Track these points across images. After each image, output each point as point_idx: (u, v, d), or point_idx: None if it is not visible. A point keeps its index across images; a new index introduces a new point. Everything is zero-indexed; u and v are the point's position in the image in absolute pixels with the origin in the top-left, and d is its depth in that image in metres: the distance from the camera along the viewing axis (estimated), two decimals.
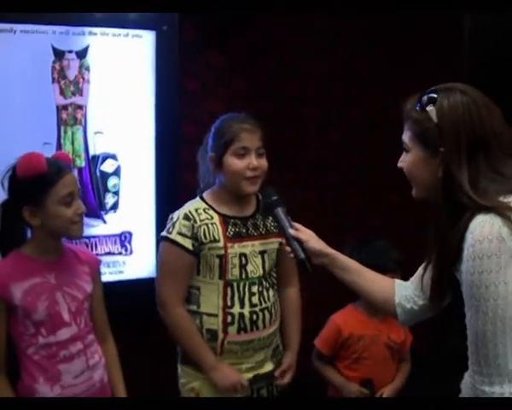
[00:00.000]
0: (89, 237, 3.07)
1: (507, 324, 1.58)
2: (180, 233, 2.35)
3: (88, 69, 3.00)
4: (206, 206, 2.41)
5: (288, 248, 2.11)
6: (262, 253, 2.44)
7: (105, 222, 3.09)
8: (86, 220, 2.85)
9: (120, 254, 3.13)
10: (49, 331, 2.12)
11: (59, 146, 3.00)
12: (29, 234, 2.19)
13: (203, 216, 2.38)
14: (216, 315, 2.39)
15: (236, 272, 2.40)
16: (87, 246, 3.07)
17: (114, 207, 3.10)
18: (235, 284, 2.40)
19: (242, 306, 2.40)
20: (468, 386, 1.67)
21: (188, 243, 2.35)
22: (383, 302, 2.04)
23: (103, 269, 2.98)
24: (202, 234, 2.35)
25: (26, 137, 2.84)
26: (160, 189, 3.16)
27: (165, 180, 3.18)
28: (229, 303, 2.39)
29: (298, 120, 3.65)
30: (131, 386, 3.04)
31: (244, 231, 2.41)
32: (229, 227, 2.39)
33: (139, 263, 3.15)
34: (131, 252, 3.15)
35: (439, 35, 3.70)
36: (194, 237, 2.35)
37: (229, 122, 2.39)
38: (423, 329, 2.66)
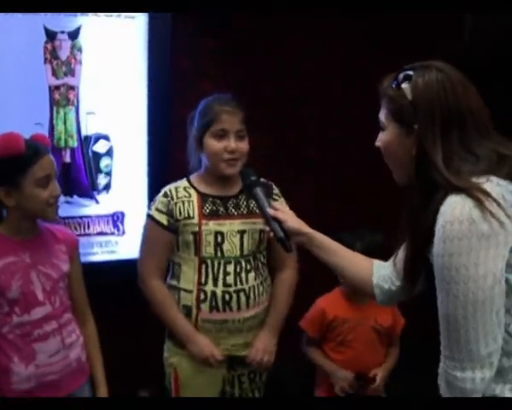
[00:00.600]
0: (81, 217, 3.08)
1: (478, 308, 1.54)
2: (157, 209, 2.43)
3: (80, 50, 2.98)
4: (188, 185, 2.46)
5: (267, 228, 2.12)
6: (241, 232, 2.43)
7: (97, 202, 3.09)
8: (79, 200, 2.99)
9: (113, 234, 3.13)
10: (23, 310, 2.15)
11: (51, 126, 2.99)
12: (5, 213, 2.21)
13: (181, 194, 2.43)
14: (191, 291, 2.42)
15: (211, 249, 2.40)
16: (79, 226, 3.09)
17: (107, 187, 3.10)
18: (209, 262, 2.42)
19: (215, 284, 2.41)
20: (440, 372, 1.65)
21: (163, 219, 2.41)
22: (361, 282, 2.02)
23: (96, 249, 3.09)
24: (178, 211, 2.41)
25: (17, 118, 2.83)
26: (152, 169, 3.15)
27: (157, 161, 3.16)
28: (203, 280, 2.41)
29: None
30: (121, 362, 3.13)
31: (223, 209, 2.43)
32: (207, 205, 2.42)
33: (131, 243, 3.11)
34: (124, 232, 3.16)
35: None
36: (169, 213, 2.41)
37: (212, 103, 2.41)
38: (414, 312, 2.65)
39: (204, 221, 2.38)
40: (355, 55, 3.64)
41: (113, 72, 3.06)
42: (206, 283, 2.40)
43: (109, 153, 3.08)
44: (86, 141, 3.03)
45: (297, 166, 3.68)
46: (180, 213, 2.39)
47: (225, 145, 2.35)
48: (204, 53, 3.37)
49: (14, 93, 2.88)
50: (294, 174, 3.61)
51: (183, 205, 2.40)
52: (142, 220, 3.00)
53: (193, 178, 2.49)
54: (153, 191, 2.99)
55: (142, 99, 3.13)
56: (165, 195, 2.42)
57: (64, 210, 2.94)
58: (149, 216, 2.43)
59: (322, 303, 2.94)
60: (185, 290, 2.42)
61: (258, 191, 2.19)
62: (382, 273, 1.97)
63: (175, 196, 2.41)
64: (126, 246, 3.15)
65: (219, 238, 2.39)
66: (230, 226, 2.41)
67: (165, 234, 2.41)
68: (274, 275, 2.62)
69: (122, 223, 3.16)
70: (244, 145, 2.39)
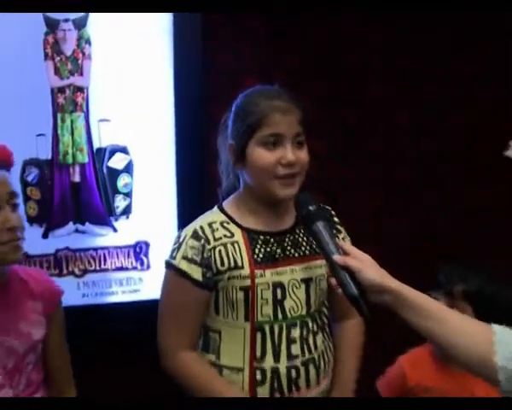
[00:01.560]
0: (96, 249, 2.60)
1: None
2: (186, 258, 1.76)
3: (89, 42, 2.50)
4: (226, 218, 1.81)
5: (333, 281, 1.54)
6: (307, 282, 1.81)
7: (115, 230, 2.62)
8: (92, 228, 2.54)
9: (135, 269, 2.65)
10: None
11: (55, 138, 2.51)
12: None
13: (220, 233, 1.78)
14: (241, 370, 1.77)
15: (269, 310, 1.78)
16: (93, 260, 2.60)
17: (126, 211, 2.62)
18: (267, 328, 1.77)
19: (277, 359, 1.77)
20: None
21: (196, 272, 1.75)
22: (474, 363, 1.42)
23: (114, 287, 2.61)
24: (218, 258, 1.76)
25: (15, 129, 2.40)
26: (183, 189, 2.65)
27: (189, 178, 2.66)
28: (258, 354, 1.76)
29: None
30: None
31: (280, 251, 1.79)
32: (258, 247, 1.78)
33: (158, 280, 2.50)
34: (148, 267, 2.66)
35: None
36: (205, 263, 1.75)
37: (256, 98, 1.77)
38: None
39: (258, 271, 1.76)
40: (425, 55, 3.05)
41: (132, 69, 2.57)
42: (263, 358, 1.77)
43: (128, 169, 2.61)
44: (99, 155, 2.57)
45: (360, 182, 3.04)
46: (222, 261, 1.76)
47: (280, 156, 1.73)
48: (246, 39, 2.79)
49: (8, 98, 2.43)
50: (358, 191, 3.01)
51: (226, 249, 1.77)
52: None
53: (228, 206, 1.85)
54: (184, 215, 2.60)
55: (167, 101, 2.63)
56: (196, 235, 1.77)
57: (74, 241, 2.55)
58: (173, 267, 1.77)
59: (404, 363, 2.27)
60: (231, 369, 1.79)
61: (321, 228, 1.62)
62: (511, 349, 1.32)
63: (211, 238, 1.77)
64: (152, 284, 2.64)
65: (279, 293, 1.77)
66: (292, 274, 1.80)
67: (200, 293, 1.77)
68: (334, 325, 1.97)
69: (146, 255, 2.66)
70: (304, 155, 1.78)
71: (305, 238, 1.84)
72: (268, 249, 1.78)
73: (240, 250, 1.77)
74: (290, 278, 1.79)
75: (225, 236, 1.78)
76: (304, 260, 1.82)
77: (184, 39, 2.59)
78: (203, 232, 1.77)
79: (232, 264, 1.75)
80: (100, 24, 2.49)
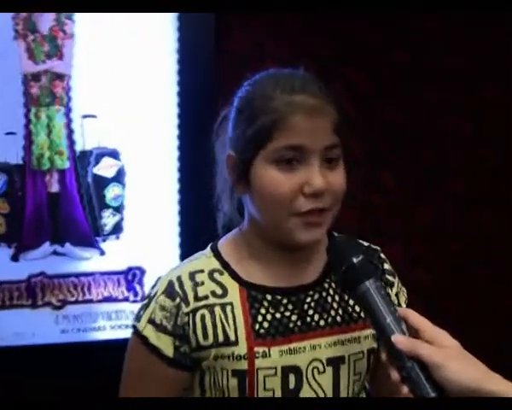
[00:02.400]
0: (78, 276, 2.25)
1: None
2: (153, 322, 1.25)
3: (71, 18, 2.13)
4: (219, 265, 1.28)
5: (395, 375, 1.05)
6: (336, 363, 1.29)
7: (102, 253, 2.28)
8: (73, 250, 2.25)
9: (127, 300, 2.31)
10: None
11: (28, 138, 2.16)
12: None
13: (206, 289, 1.26)
14: None
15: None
16: (76, 289, 2.27)
17: (116, 230, 2.27)
18: None
19: None
20: None
21: (166, 345, 1.25)
22: None
23: (102, 322, 2.31)
24: (199, 328, 1.23)
25: None
26: (187, 203, 2.28)
27: (194, 189, 2.25)
28: None
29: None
30: None
31: (295, 318, 1.26)
32: (263, 312, 1.25)
33: None
34: (143, 297, 2.22)
35: None
36: (180, 333, 1.24)
37: (269, 89, 1.22)
38: None
39: (260, 348, 1.25)
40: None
41: (124, 53, 2.21)
42: None
43: (119, 178, 2.26)
44: (83, 159, 2.23)
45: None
46: (206, 333, 1.25)
47: (302, 181, 1.20)
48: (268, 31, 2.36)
49: None
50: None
51: (212, 315, 1.25)
52: None
53: (225, 247, 1.32)
54: (187, 236, 2.28)
55: (168, 95, 2.26)
56: (171, 291, 1.25)
57: (52, 265, 2.26)
58: (136, 333, 1.28)
59: None
60: None
61: (373, 291, 1.10)
62: None
63: (191, 296, 1.25)
64: None
65: (293, 381, 1.26)
66: (314, 353, 1.27)
67: (171, 373, 1.26)
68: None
69: (141, 284, 2.32)
70: (339, 180, 1.24)
71: (336, 297, 1.30)
72: (278, 316, 1.25)
73: (234, 317, 1.24)
74: (310, 358, 1.26)
75: (214, 293, 1.25)
76: (333, 331, 1.28)
77: (192, 21, 2.20)
78: (181, 286, 1.25)
79: (221, 337, 1.23)
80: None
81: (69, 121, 2.15)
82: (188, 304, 1.23)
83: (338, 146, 1.22)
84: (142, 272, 2.27)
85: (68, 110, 2.14)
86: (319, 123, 1.20)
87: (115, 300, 2.27)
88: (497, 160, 2.65)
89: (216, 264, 1.28)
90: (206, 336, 1.23)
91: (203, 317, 1.23)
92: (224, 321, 1.24)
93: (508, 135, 2.65)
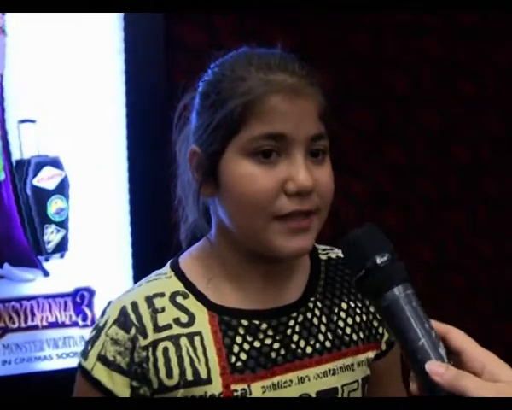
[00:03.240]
0: (19, 300, 2.07)
1: None
2: (104, 359, 1.04)
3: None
4: (182, 286, 1.07)
5: None
6: (327, 396, 1.09)
7: (46, 274, 2.10)
8: (12, 272, 2.06)
9: (75, 325, 2.14)
10: None
11: None
12: None
13: (167, 316, 1.04)
14: None
15: None
16: (17, 314, 2.07)
17: (61, 247, 2.10)
18: None
19: None
20: None
21: (120, 386, 1.03)
22: None
23: (47, 350, 2.15)
24: (162, 365, 1.03)
25: None
26: (140, 215, 2.12)
27: (148, 200, 2.12)
28: None
29: None
30: None
31: (278, 346, 1.06)
32: (239, 341, 1.05)
33: None
34: (93, 322, 2.15)
35: None
36: (135, 371, 1.03)
37: (241, 68, 1.02)
38: None
39: (238, 386, 1.04)
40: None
41: (66, 50, 2.06)
42: None
43: (62, 189, 2.09)
44: (21, 169, 2.06)
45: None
46: (170, 371, 1.03)
47: (284, 177, 1.00)
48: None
49: None
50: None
51: (178, 349, 1.04)
52: None
53: (188, 264, 1.11)
54: (140, 252, 2.13)
55: (116, 96, 2.11)
56: (124, 320, 1.04)
57: None
58: (85, 375, 1.05)
59: None
60: None
61: (403, 302, 0.86)
62: None
63: (150, 326, 1.04)
64: None
65: None
66: (302, 387, 1.07)
67: None
68: None
69: (90, 307, 2.15)
70: (327, 176, 1.04)
71: (323, 318, 1.09)
72: (257, 344, 1.05)
73: (204, 349, 1.03)
74: (298, 393, 1.06)
75: (178, 322, 1.04)
76: (323, 359, 1.08)
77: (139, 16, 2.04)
78: (136, 314, 1.03)
79: (189, 375, 1.02)
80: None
81: (3, 127, 1.96)
82: (146, 336, 1.02)
83: (324, 136, 1.02)
84: (92, 293, 2.10)
85: (2, 114, 1.96)
86: (303, 107, 1.00)
87: (62, 325, 2.09)
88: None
89: (178, 285, 1.07)
90: (170, 374, 1.02)
91: (166, 351, 1.02)
92: (192, 355, 1.03)
93: None
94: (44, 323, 2.07)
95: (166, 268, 1.10)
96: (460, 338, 0.83)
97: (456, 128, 2.54)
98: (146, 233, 2.08)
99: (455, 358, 0.82)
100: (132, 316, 1.02)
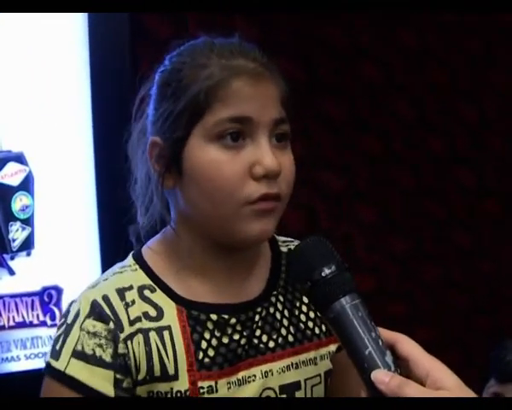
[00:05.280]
0: None
1: None
2: (81, 355, 0.99)
3: None
4: (149, 280, 1.04)
5: None
6: (291, 390, 1.08)
7: (12, 273, 2.04)
8: None
9: (43, 324, 2.08)
10: None
11: None
12: None
13: (137, 309, 1.02)
14: None
15: None
16: None
17: (27, 245, 2.05)
18: None
19: None
20: None
21: (101, 381, 0.98)
22: None
23: (15, 351, 2.08)
24: (135, 357, 1.00)
25: None
26: (107, 210, 2.06)
27: (114, 194, 1.98)
28: None
29: None
30: None
31: (244, 341, 1.05)
32: (207, 337, 1.03)
33: None
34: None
35: None
36: (119, 362, 0.99)
37: (201, 55, 1.01)
38: None
39: (205, 383, 1.02)
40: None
41: (30, 46, 2.01)
42: None
43: (27, 185, 2.03)
44: None
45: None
46: (137, 366, 1.00)
47: (251, 160, 0.99)
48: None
49: None
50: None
51: (147, 342, 1.00)
52: None
53: (152, 255, 1.07)
54: (109, 247, 2.06)
55: (81, 90, 2.06)
56: (98, 313, 1.00)
57: None
58: (56, 375, 1.00)
59: None
60: None
61: (350, 312, 0.87)
62: None
63: (125, 318, 1.00)
64: None
65: None
66: (266, 381, 1.05)
67: None
68: None
69: (58, 306, 2.08)
70: (290, 161, 1.03)
71: (285, 312, 1.08)
72: (225, 340, 1.03)
73: (173, 344, 1.01)
74: (262, 387, 1.04)
75: (147, 315, 1.01)
76: (286, 353, 1.07)
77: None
78: (110, 308, 1.00)
79: (157, 371, 1.00)
80: None
81: None
82: (122, 329, 0.99)
83: (286, 121, 1.01)
84: (60, 291, 2.04)
85: None
86: (266, 91, 0.99)
87: (30, 325, 2.03)
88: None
89: (145, 278, 1.04)
90: (138, 368, 0.99)
91: (137, 344, 1.00)
92: (161, 350, 1.00)
93: None
94: (11, 323, 2.02)
95: (130, 260, 1.07)
96: (408, 346, 0.83)
97: (431, 118, 2.53)
98: (114, 229, 1.99)
99: (403, 365, 0.82)
100: (106, 309, 0.99)
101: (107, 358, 0.98)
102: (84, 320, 0.99)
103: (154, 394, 1.00)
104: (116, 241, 1.98)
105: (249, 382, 1.04)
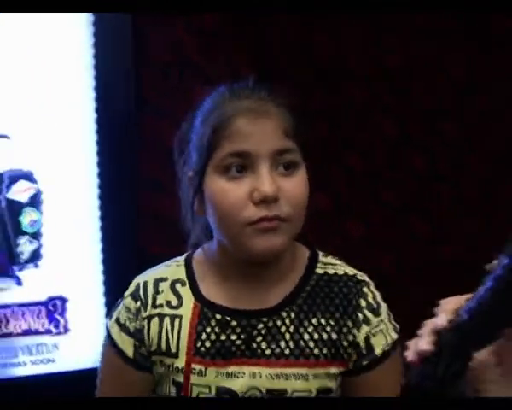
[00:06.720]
0: None
1: None
2: (118, 322, 1.27)
3: None
4: (184, 277, 1.25)
5: None
6: (276, 394, 1.20)
7: (20, 283, 2.10)
8: None
9: (48, 332, 2.14)
10: None
11: None
12: None
13: (163, 298, 1.24)
14: None
15: None
16: None
17: (34, 258, 2.10)
18: None
19: None
20: None
21: (127, 344, 1.26)
22: None
23: (22, 357, 2.15)
24: (148, 334, 1.24)
25: None
26: (110, 227, 2.14)
27: (118, 212, 2.15)
28: None
29: None
30: None
31: (240, 342, 1.20)
32: (208, 330, 1.22)
33: (78, 346, 2.16)
34: (66, 329, 2.16)
35: None
36: (136, 334, 1.25)
37: (219, 99, 1.19)
38: None
39: (197, 366, 1.21)
40: None
41: (39, 69, 2.05)
42: None
43: (35, 202, 2.08)
44: None
45: None
46: (151, 340, 1.24)
47: (250, 188, 1.14)
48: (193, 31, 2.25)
49: None
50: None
51: (161, 324, 1.24)
52: (94, 309, 2.16)
53: (199, 258, 1.28)
54: (111, 261, 2.16)
55: (87, 113, 2.11)
56: (136, 294, 1.25)
57: None
58: (107, 332, 1.30)
59: None
60: None
61: None
62: None
63: (150, 302, 1.24)
64: (70, 351, 2.16)
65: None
66: (253, 381, 1.20)
67: (133, 374, 1.26)
68: None
69: (63, 315, 2.14)
70: (295, 185, 1.16)
71: (291, 329, 1.20)
72: (222, 337, 1.19)
73: (180, 330, 1.21)
74: (248, 385, 1.19)
75: (169, 304, 1.23)
76: (279, 363, 1.19)
77: (109, 31, 2.07)
78: (145, 291, 1.25)
79: (163, 347, 1.22)
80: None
81: None
82: (146, 309, 1.22)
83: (292, 151, 1.14)
84: (64, 301, 2.11)
85: None
86: (266, 126, 1.13)
87: (36, 332, 2.11)
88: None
89: (181, 274, 1.25)
90: (151, 343, 1.22)
91: (154, 325, 1.22)
92: (169, 333, 1.21)
93: None
94: (18, 330, 2.09)
95: (182, 257, 1.28)
96: None
97: (381, 101, 2.53)
98: (115, 244, 2.12)
99: None
100: (141, 292, 1.23)
101: (131, 329, 1.23)
102: (127, 297, 1.26)
103: (162, 364, 1.22)
104: (117, 255, 2.11)
105: (237, 377, 1.18)
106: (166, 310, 1.22)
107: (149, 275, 1.27)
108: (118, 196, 2.12)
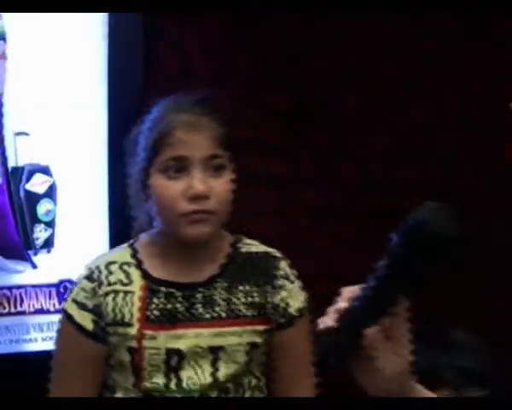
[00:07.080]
0: (10, 288, 2.23)
1: None
2: (76, 301, 1.53)
3: (3, 37, 2.13)
4: (131, 259, 1.53)
5: None
6: (215, 351, 1.49)
7: (34, 266, 2.26)
8: (5, 264, 2.21)
9: (58, 311, 2.13)
10: None
11: None
12: None
13: (115, 277, 1.51)
14: None
15: (160, 379, 1.48)
16: (8, 302, 2.23)
17: (48, 244, 2.27)
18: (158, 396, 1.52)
19: None
20: None
21: (87, 320, 1.51)
22: None
23: (34, 333, 2.29)
24: (107, 307, 1.50)
25: None
26: (117, 218, 2.27)
27: (124, 206, 2.20)
28: None
29: None
30: None
31: (184, 309, 1.48)
32: (156, 301, 1.49)
33: None
34: None
35: None
36: (95, 309, 1.51)
37: (164, 110, 1.49)
38: None
39: (148, 332, 1.48)
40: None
41: (57, 73, 2.23)
42: None
43: (51, 193, 2.25)
44: (15, 176, 2.21)
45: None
46: (107, 312, 1.50)
47: (184, 187, 1.44)
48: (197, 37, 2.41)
49: None
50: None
51: (115, 299, 1.50)
52: None
53: (142, 244, 1.56)
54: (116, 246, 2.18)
55: (99, 113, 2.29)
56: (90, 277, 1.53)
57: None
58: (64, 312, 1.57)
59: None
60: None
61: None
62: None
63: (105, 282, 1.51)
64: None
65: (175, 361, 1.48)
66: (196, 340, 1.48)
67: (91, 346, 1.52)
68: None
69: None
70: (222, 185, 1.47)
71: (223, 295, 1.49)
72: (168, 306, 1.47)
73: (131, 303, 1.48)
74: (192, 343, 1.46)
75: (120, 281, 1.50)
76: (216, 324, 1.47)
77: (121, 39, 2.25)
78: (99, 274, 1.52)
79: (118, 318, 1.48)
80: (19, 16, 2.12)
81: (2, 138, 2.16)
82: (101, 287, 1.48)
83: (220, 156, 1.44)
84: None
85: (1, 127, 2.15)
86: (199, 137, 1.43)
87: (47, 312, 2.27)
88: None
89: (127, 258, 1.51)
90: (108, 314, 1.46)
91: (109, 300, 1.47)
92: (122, 306, 1.47)
93: None
94: (31, 309, 2.24)
95: (127, 244, 1.55)
96: None
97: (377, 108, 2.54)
98: (121, 232, 2.18)
99: None
100: (96, 274, 1.49)
101: (91, 305, 1.49)
102: (81, 281, 1.53)
103: (118, 334, 1.46)
104: (123, 242, 2.25)
105: (183, 338, 1.45)
106: (119, 287, 1.48)
107: (100, 260, 1.54)
108: (123, 190, 2.24)
